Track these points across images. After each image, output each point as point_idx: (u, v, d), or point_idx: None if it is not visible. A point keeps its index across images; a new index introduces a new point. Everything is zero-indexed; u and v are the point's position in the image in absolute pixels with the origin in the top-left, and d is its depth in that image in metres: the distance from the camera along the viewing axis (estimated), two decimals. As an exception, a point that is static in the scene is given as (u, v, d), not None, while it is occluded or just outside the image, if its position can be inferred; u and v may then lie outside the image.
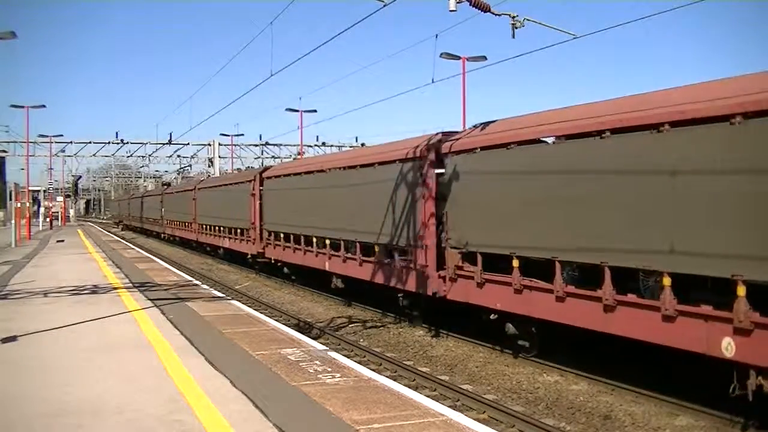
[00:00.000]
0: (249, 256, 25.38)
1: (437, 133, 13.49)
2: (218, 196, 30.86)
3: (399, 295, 14.34)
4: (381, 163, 15.12)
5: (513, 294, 10.76)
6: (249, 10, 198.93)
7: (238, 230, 26.62)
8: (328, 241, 17.70)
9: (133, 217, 64.86)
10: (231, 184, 29.13)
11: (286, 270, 22.10)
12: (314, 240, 18.69)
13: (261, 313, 13.98)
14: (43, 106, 49.04)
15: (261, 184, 24.38)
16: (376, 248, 14.99)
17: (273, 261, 22.82)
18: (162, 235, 47.93)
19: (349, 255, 16.53)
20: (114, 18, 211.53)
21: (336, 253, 17.28)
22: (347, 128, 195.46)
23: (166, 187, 56.45)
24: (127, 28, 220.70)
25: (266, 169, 25.91)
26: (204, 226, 33.43)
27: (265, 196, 23.81)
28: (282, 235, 21.54)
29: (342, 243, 16.88)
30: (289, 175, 21.83)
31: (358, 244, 15.97)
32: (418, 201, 13.26)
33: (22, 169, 57.73)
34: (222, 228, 29.59)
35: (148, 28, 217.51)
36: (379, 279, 14.95)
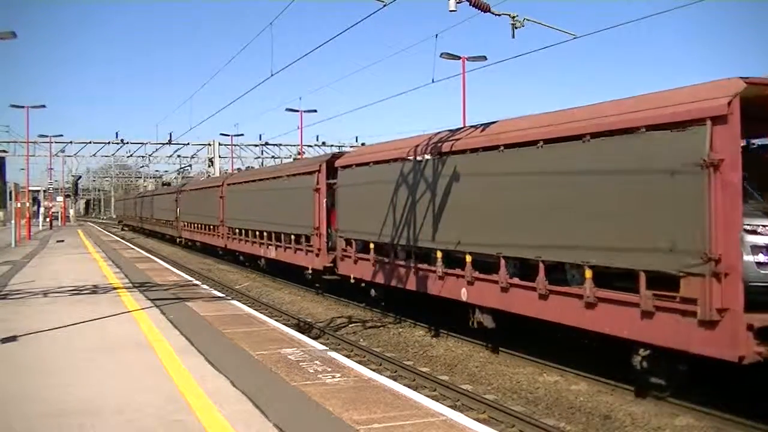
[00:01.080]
0: (309, 271, 19.29)
1: (716, 81, 8.00)
2: (258, 193, 24.49)
3: (640, 353, 8.77)
4: (597, 135, 9.19)
5: None
6: (249, 10, 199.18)
7: (292, 237, 20.47)
8: (469, 259, 11.88)
9: (142, 218, 58.41)
10: (278, 177, 22.62)
11: (373, 293, 16.01)
12: (438, 255, 12.79)
13: (261, 313, 13.98)
14: (43, 106, 49.03)
15: (330, 176, 18.24)
16: (587, 273, 9.21)
17: (352, 280, 16.48)
18: (177, 240, 41.03)
19: (517, 282, 10.77)
20: (114, 18, 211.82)
21: (488, 278, 11.40)
22: (347, 128, 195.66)
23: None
24: (127, 29, 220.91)
25: (337, 156, 18.74)
26: (236, 231, 27.27)
27: (341, 192, 17.38)
28: (372, 246, 15.41)
29: (502, 262, 10.97)
30: (387, 161, 14.97)
31: (541, 265, 10.04)
32: (700, 195, 7.70)
33: (22, 169, 57.79)
34: (264, 233, 23.36)
35: (148, 28, 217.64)
36: (600, 324, 9.14)
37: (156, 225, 50.44)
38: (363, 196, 16.09)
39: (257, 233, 24.36)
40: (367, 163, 16.11)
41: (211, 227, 31.59)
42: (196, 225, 35.45)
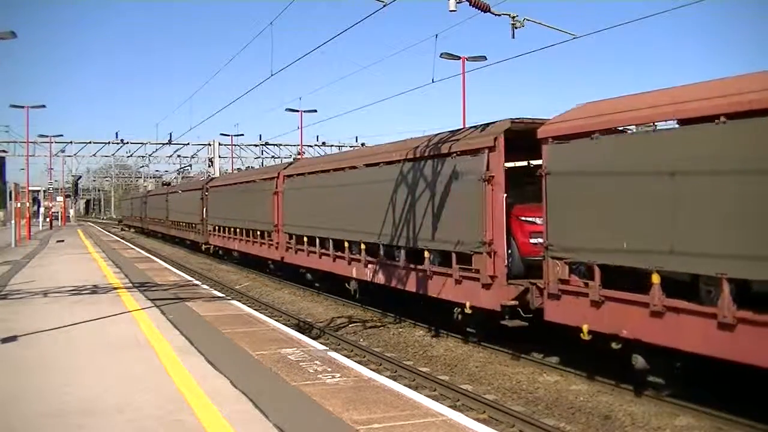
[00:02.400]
0: (465, 309, 11.93)
1: None
2: (348, 188, 16.76)
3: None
4: None
5: None
6: (249, 10, 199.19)
7: (426, 254, 13.14)
8: None
9: (152, 219, 52.52)
10: (391, 162, 14.61)
11: (642, 363, 8.95)
12: None
13: (261, 313, 13.98)
14: (43, 106, 49.06)
15: (512, 156, 11.77)
16: None
17: (587, 335, 9.45)
18: (203, 248, 33.41)
19: None
20: (114, 18, 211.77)
21: None
22: (347, 128, 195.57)
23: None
24: (127, 28, 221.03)
25: (534, 123, 10.87)
26: (303, 240, 19.62)
27: (559, 183, 10.08)
28: (656, 280, 8.41)
29: None
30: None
31: None
32: None
33: (22, 169, 57.91)
34: (362, 246, 15.77)
35: (148, 28, 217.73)
36: None
37: (172, 228, 42.83)
38: (632, 188, 8.81)
39: (347, 245, 16.61)
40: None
41: (259, 233, 24.14)
42: (232, 230, 27.76)
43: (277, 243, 22.00)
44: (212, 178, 38.50)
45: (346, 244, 16.63)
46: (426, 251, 13.16)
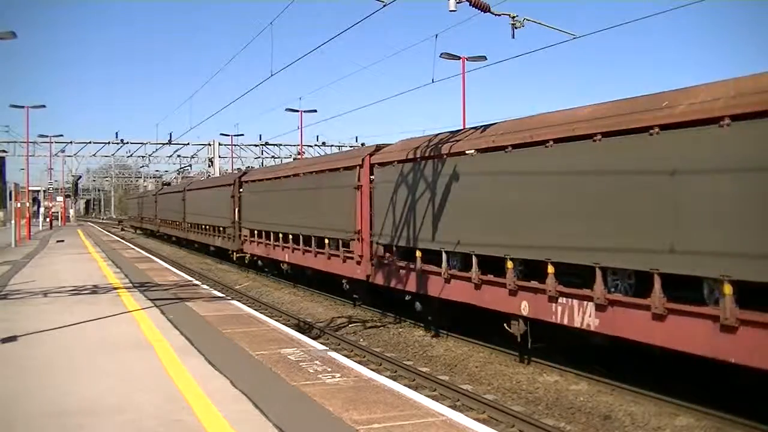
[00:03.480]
0: None
1: None
2: (514, 176, 10.90)
3: None
4: None
5: None
6: (249, 10, 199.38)
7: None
8: None
9: (164, 221, 47.03)
10: (604, 133, 9.09)
11: None
12: None
13: (261, 313, 13.98)
14: (43, 106, 48.96)
15: None
16: None
17: None
18: (235, 256, 27.49)
19: None
20: (114, 18, 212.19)
21: None
22: (347, 128, 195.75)
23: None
24: (127, 29, 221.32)
25: None
26: (413, 255, 13.93)
27: None
28: None
29: None
30: None
31: None
32: None
33: (22, 169, 57.96)
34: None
35: (148, 28, 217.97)
36: None
37: (191, 232, 36.77)
38: None
39: (510, 266, 10.95)
40: None
41: (327, 242, 18.00)
42: (280, 236, 21.73)
43: (360, 256, 16.08)
44: (247, 171, 32.18)
45: (509, 265, 10.91)
46: (731, 285, 7.34)
